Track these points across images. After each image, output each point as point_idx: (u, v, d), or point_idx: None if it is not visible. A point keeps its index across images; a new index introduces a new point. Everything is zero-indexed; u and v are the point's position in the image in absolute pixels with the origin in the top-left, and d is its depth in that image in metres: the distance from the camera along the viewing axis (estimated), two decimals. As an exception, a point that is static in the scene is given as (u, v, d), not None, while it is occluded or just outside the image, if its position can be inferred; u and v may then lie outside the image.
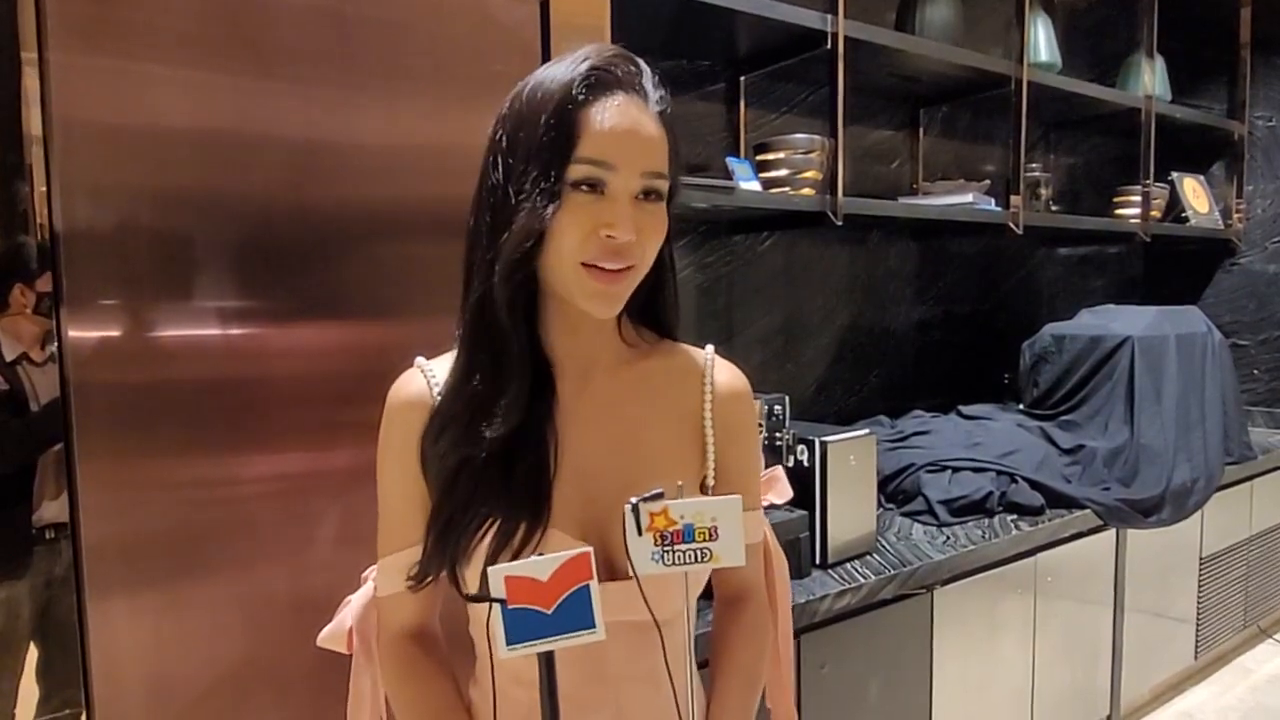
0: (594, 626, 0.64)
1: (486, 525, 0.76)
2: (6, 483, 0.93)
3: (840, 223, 1.99)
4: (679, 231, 0.83)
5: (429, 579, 0.80)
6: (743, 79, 2.23)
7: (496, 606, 0.62)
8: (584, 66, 0.73)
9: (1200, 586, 2.58)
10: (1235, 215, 3.28)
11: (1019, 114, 2.42)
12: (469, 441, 0.76)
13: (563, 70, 0.73)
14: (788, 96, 2.34)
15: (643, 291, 0.81)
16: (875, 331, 2.65)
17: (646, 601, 0.73)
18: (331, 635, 0.92)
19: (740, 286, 2.30)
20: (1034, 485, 2.10)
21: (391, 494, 0.83)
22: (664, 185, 0.76)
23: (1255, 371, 3.25)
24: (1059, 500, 2.09)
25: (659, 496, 0.69)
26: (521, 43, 1.23)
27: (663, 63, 1.61)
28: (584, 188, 0.72)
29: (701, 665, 0.87)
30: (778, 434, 1.71)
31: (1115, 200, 2.99)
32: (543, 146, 0.71)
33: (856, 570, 1.65)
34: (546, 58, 1.23)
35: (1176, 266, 3.45)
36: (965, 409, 2.57)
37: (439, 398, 0.80)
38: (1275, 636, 2.94)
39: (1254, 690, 2.64)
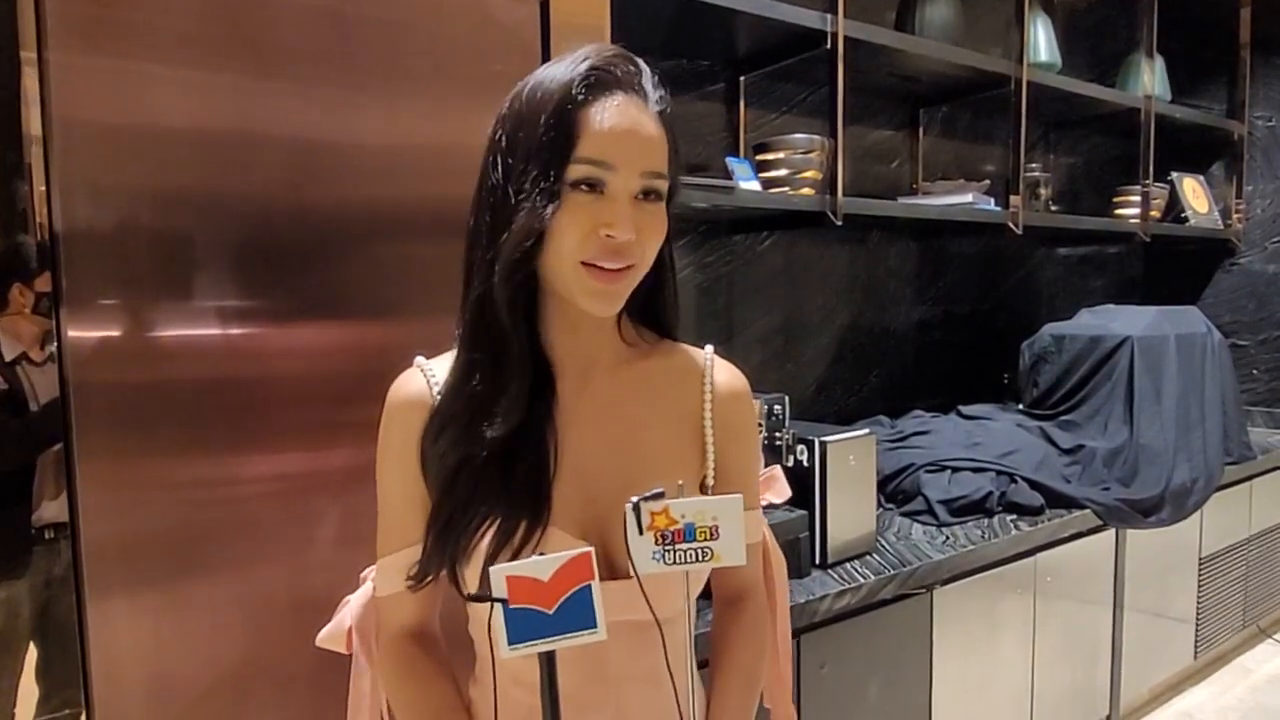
0: (595, 626, 0.64)
1: (486, 524, 0.76)
2: (6, 483, 0.93)
3: (840, 223, 1.99)
4: (679, 231, 0.83)
5: (429, 578, 0.80)
6: (742, 79, 2.23)
7: (498, 606, 0.62)
8: (584, 66, 0.73)
9: (1200, 586, 2.58)
10: (1235, 215, 3.28)
11: (1019, 114, 2.42)
12: (469, 441, 0.76)
13: (562, 70, 0.73)
14: (787, 96, 2.34)
15: (642, 291, 0.81)
16: (875, 331, 2.66)
17: (648, 601, 0.73)
18: (330, 635, 0.92)
19: (740, 286, 2.30)
20: (1034, 485, 2.10)
21: (391, 493, 0.83)
22: (663, 185, 0.76)
23: (1255, 371, 3.25)
24: (1059, 500, 2.09)
25: (660, 496, 0.69)
26: (521, 43, 1.23)
27: (663, 63, 1.62)
28: (584, 187, 0.72)
29: (701, 665, 0.87)
30: (777, 434, 1.71)
31: (1115, 200, 2.99)
32: (542, 146, 0.71)
33: (856, 570, 1.65)
34: (546, 58, 1.23)
35: (1176, 266, 3.45)
36: (965, 409, 2.57)
37: (439, 397, 0.80)
38: (1275, 636, 2.94)
39: (1254, 690, 2.64)
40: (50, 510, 0.94)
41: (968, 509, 2.00)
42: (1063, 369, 2.53)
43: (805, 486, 1.67)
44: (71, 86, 0.93)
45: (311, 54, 1.07)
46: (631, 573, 0.70)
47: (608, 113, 0.72)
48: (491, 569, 0.63)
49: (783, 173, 1.98)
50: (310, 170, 1.08)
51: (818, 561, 1.68)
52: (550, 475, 0.78)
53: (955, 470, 2.12)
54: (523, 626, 0.63)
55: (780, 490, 1.11)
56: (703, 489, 0.86)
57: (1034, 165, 2.89)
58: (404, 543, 0.82)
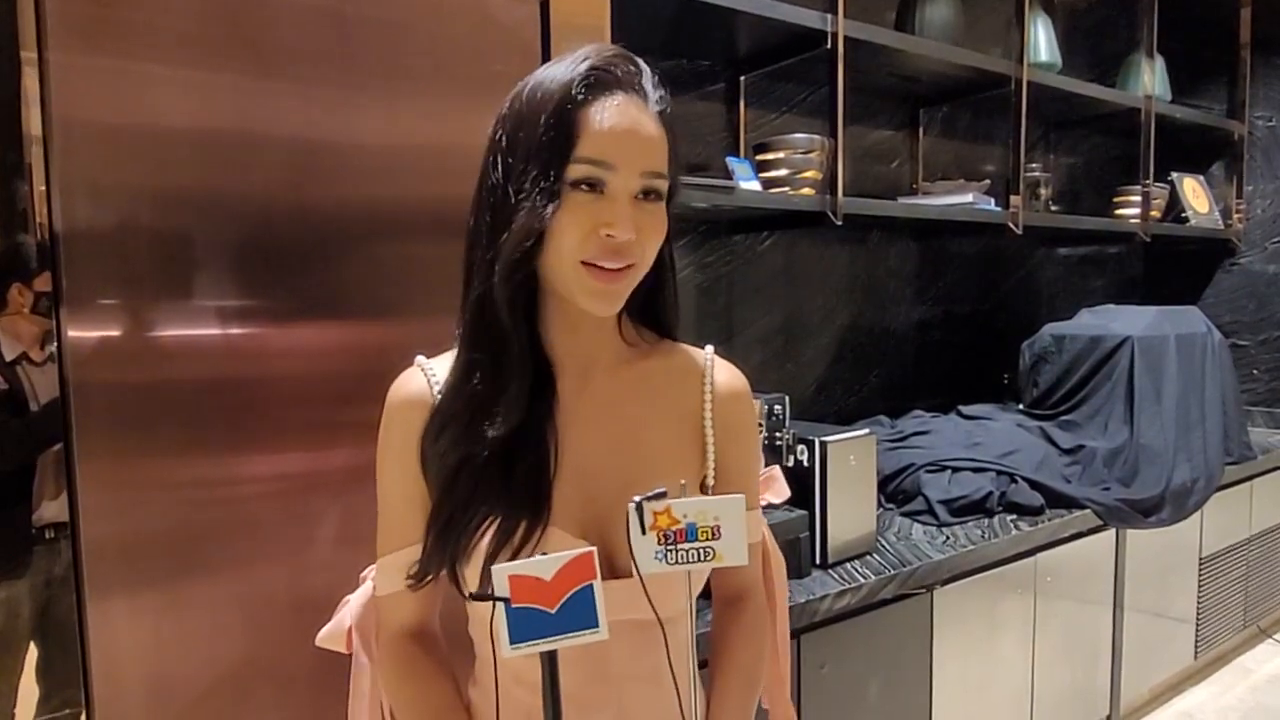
0: (597, 626, 0.64)
1: (486, 524, 0.76)
2: (6, 483, 0.93)
3: (840, 222, 1.99)
4: (679, 231, 0.83)
5: (429, 578, 0.80)
6: (743, 79, 2.23)
7: (499, 606, 0.62)
8: (584, 66, 0.73)
9: (1200, 586, 2.58)
10: (1235, 215, 3.28)
11: (1019, 114, 2.42)
12: (469, 440, 0.76)
13: (562, 70, 0.73)
14: (788, 96, 2.34)
15: (642, 291, 0.81)
16: (875, 331, 2.66)
17: (651, 600, 0.73)
18: (330, 635, 0.92)
19: (740, 286, 2.30)
20: (1034, 485, 2.10)
21: (391, 493, 0.83)
22: (663, 185, 0.76)
23: (1255, 371, 3.25)
24: (1059, 500, 2.09)
25: (662, 495, 0.69)
26: (521, 43, 1.23)
27: (663, 63, 1.62)
28: (584, 187, 0.72)
29: (700, 665, 0.87)
30: (778, 434, 1.71)
31: (1115, 200, 2.99)
32: (542, 146, 0.71)
33: (856, 570, 1.65)
34: (546, 58, 1.23)
35: (1176, 266, 3.45)
36: (965, 409, 2.57)
37: (439, 396, 0.80)
38: (1275, 636, 2.94)
39: (1254, 690, 2.64)
40: (50, 510, 0.94)
41: (968, 509, 2.00)
42: (1063, 369, 2.53)
43: (805, 486, 1.67)
44: (71, 86, 0.93)
45: (311, 54, 1.07)
46: (634, 572, 0.70)
47: (608, 112, 0.72)
48: (494, 568, 0.63)
49: (783, 173, 1.98)
50: (310, 170, 1.08)
51: (818, 561, 1.68)
52: (550, 475, 0.78)
53: (955, 470, 2.12)
54: (525, 626, 0.63)
55: (779, 490, 1.11)
56: (703, 489, 0.86)
57: (1034, 165, 2.89)
58: (404, 542, 0.82)
